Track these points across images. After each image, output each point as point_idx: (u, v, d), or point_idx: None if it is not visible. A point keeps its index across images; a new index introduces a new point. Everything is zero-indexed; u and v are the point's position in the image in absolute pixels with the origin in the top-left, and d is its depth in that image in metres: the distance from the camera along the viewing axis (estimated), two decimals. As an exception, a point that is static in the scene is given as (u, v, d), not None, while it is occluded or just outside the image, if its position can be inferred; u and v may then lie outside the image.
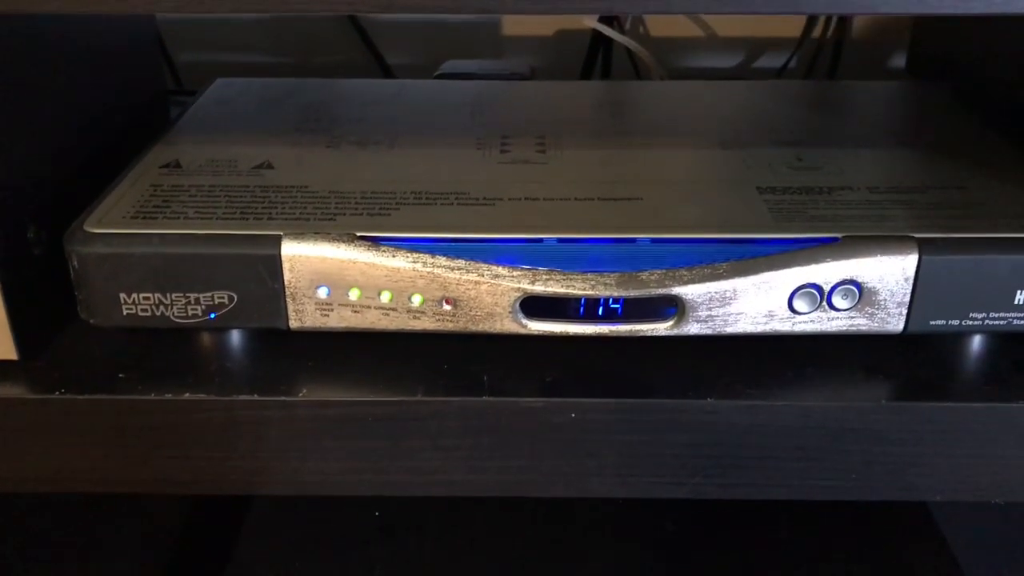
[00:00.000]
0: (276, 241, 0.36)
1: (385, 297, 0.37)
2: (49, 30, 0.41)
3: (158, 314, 0.37)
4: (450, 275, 0.36)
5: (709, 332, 0.37)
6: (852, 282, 0.36)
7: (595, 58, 0.69)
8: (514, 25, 0.71)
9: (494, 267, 0.36)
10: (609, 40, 0.68)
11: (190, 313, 0.37)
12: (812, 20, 0.69)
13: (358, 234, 0.37)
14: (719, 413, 0.37)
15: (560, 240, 0.37)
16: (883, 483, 0.38)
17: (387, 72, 0.72)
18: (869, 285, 0.37)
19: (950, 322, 0.37)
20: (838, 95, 0.54)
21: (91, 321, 0.38)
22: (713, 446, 0.38)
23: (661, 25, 0.71)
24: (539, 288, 0.36)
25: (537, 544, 0.52)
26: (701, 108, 0.51)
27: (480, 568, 0.50)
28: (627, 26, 0.70)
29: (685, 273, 0.36)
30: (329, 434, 0.37)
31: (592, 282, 0.36)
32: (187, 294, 0.37)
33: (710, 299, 0.36)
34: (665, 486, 0.39)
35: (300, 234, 0.36)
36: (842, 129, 0.48)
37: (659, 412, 0.37)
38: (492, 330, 0.37)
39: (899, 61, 0.71)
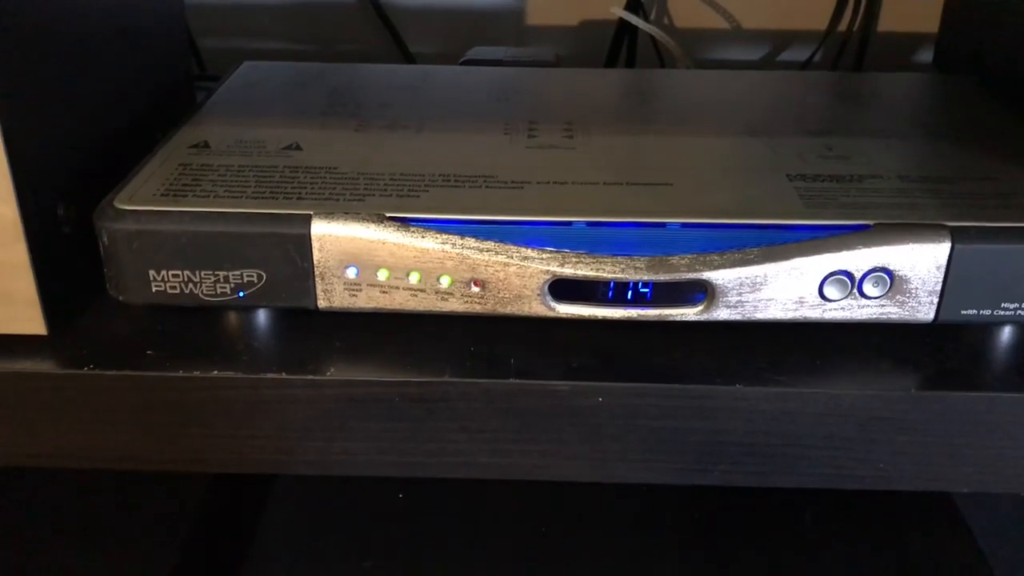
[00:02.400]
0: (306, 220, 0.36)
1: (414, 278, 0.37)
2: (79, 9, 0.41)
3: (187, 291, 0.37)
4: (479, 257, 0.36)
5: (738, 318, 0.37)
6: (883, 270, 0.36)
7: (619, 48, 0.69)
8: (538, 14, 0.71)
9: (523, 249, 0.36)
10: (634, 30, 0.68)
11: (219, 291, 0.37)
12: (839, 12, 0.69)
13: (387, 215, 0.37)
14: (747, 400, 0.37)
15: (589, 223, 0.37)
16: (910, 473, 0.38)
17: (410, 60, 0.72)
18: (900, 273, 0.36)
19: (982, 312, 0.37)
20: (866, 86, 0.54)
21: (120, 298, 0.38)
22: (740, 433, 0.37)
23: (686, 16, 0.71)
24: (568, 271, 0.36)
25: (561, 528, 0.52)
26: (728, 97, 0.51)
27: (503, 551, 0.50)
28: (652, 16, 0.70)
29: (715, 258, 0.36)
30: (355, 414, 0.37)
31: (622, 266, 0.36)
32: (216, 272, 0.37)
33: (740, 284, 0.36)
34: (691, 472, 0.38)
35: (330, 214, 0.36)
36: (871, 119, 0.48)
37: (686, 398, 0.37)
38: (520, 312, 0.37)
39: (925, 56, 0.71)
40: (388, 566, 0.49)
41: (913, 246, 0.36)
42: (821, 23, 0.70)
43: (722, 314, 0.37)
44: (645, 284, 0.37)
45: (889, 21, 0.70)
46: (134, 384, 0.37)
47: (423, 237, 0.36)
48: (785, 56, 0.72)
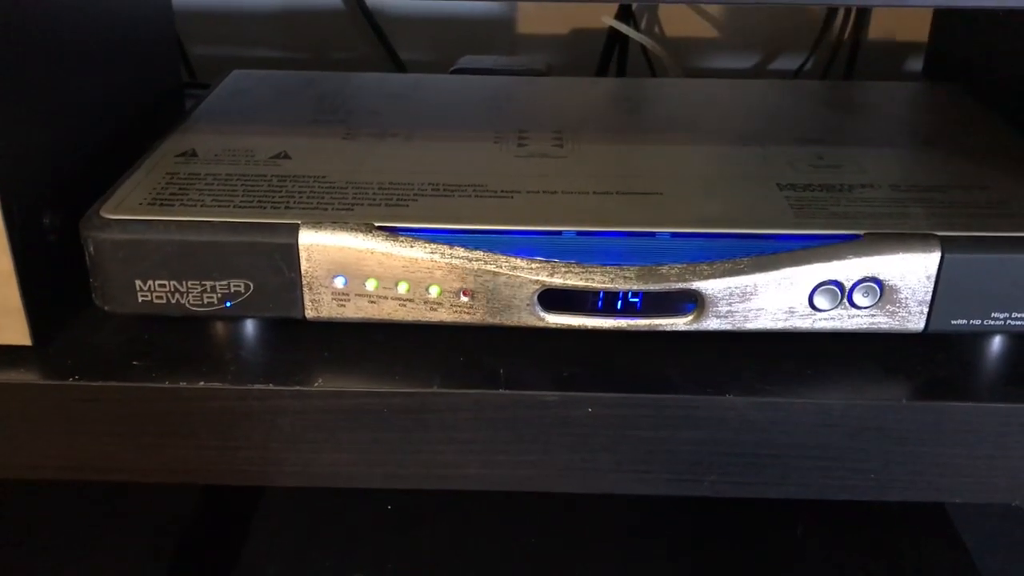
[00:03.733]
0: (294, 230, 0.36)
1: (402, 288, 0.37)
2: (66, 16, 0.41)
3: (173, 301, 0.37)
4: (468, 266, 0.36)
5: (728, 328, 0.37)
6: (873, 279, 0.36)
7: (610, 57, 0.69)
8: (529, 23, 0.71)
9: (512, 259, 0.36)
10: (625, 39, 0.68)
11: (206, 301, 0.37)
12: (829, 22, 0.69)
13: (376, 224, 0.36)
14: (737, 410, 0.37)
15: (579, 233, 0.37)
16: (902, 483, 0.38)
17: (401, 69, 0.71)
18: (890, 283, 0.36)
19: (972, 322, 0.37)
20: (857, 95, 0.54)
21: (106, 308, 0.37)
22: (730, 443, 0.37)
23: (676, 25, 0.71)
24: (558, 281, 0.36)
25: (550, 539, 0.52)
26: (719, 106, 0.51)
27: (493, 563, 0.50)
28: (642, 25, 0.70)
29: (705, 268, 0.36)
30: (343, 425, 0.37)
31: (611, 275, 0.36)
32: (203, 282, 0.37)
33: (730, 294, 0.36)
34: (681, 483, 0.38)
35: (318, 223, 0.36)
36: (862, 129, 0.48)
37: (676, 408, 0.37)
38: (509, 322, 0.37)
39: (915, 64, 0.71)
40: (377, 577, 0.49)
41: (903, 256, 0.36)
42: (811, 33, 0.70)
43: (712, 324, 0.37)
44: (635, 294, 0.36)
45: (879, 30, 0.70)
46: (120, 395, 0.37)
47: (412, 247, 0.36)
48: (775, 65, 0.72)
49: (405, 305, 0.37)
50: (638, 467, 0.38)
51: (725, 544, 0.52)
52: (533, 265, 0.36)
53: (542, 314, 0.37)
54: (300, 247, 0.36)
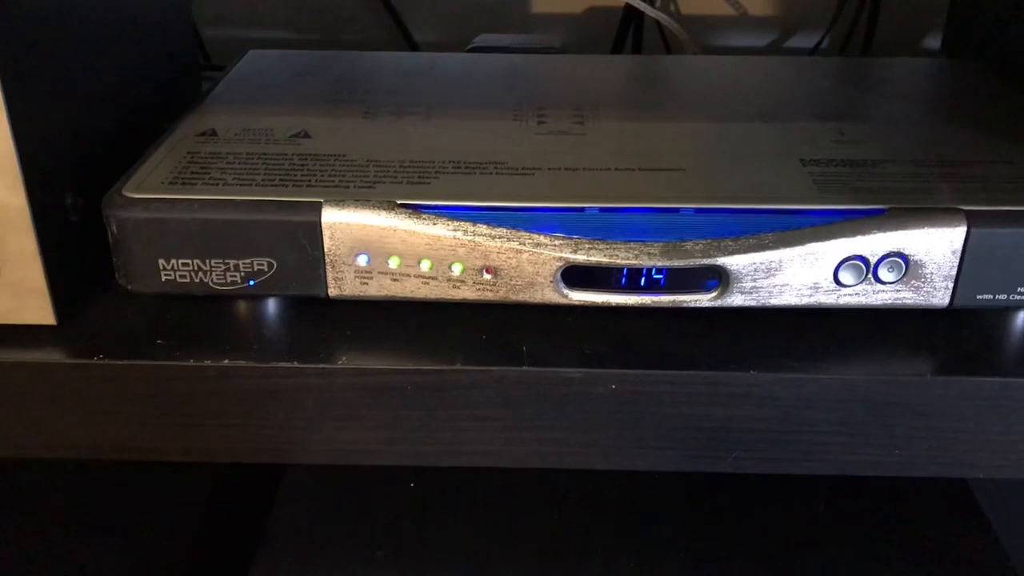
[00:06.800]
0: (316, 208, 0.36)
1: (425, 265, 0.37)
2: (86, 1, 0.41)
3: (197, 280, 0.37)
4: (491, 244, 0.36)
5: (753, 304, 0.37)
6: (899, 254, 0.36)
7: (625, 34, 0.69)
8: (543, 1, 0.70)
9: (536, 236, 0.36)
10: (640, 17, 0.68)
11: (229, 280, 0.37)
12: (846, -2, 0.69)
13: (399, 202, 0.36)
14: (761, 386, 0.36)
15: (602, 209, 0.37)
16: (926, 459, 0.38)
17: (415, 49, 0.71)
18: (916, 258, 0.36)
19: (997, 297, 0.37)
20: (877, 71, 0.53)
21: (129, 287, 0.37)
22: (754, 419, 0.37)
23: (692, 2, 0.70)
24: (581, 257, 0.36)
25: (573, 516, 0.52)
26: (738, 82, 0.51)
27: (515, 539, 0.50)
28: (657, 2, 0.69)
29: (730, 243, 0.36)
30: (367, 403, 0.37)
31: (635, 251, 0.36)
32: (226, 260, 0.37)
33: (755, 270, 0.36)
34: (704, 460, 0.38)
35: (341, 201, 0.36)
36: (883, 105, 0.47)
37: (700, 384, 0.37)
38: (533, 300, 0.37)
39: (933, 43, 0.70)
40: (400, 556, 0.49)
41: (928, 230, 0.36)
42: (828, 10, 0.69)
43: (736, 300, 0.37)
44: (659, 270, 0.36)
45: (896, 7, 0.70)
46: (144, 374, 0.37)
47: (434, 224, 0.36)
48: (791, 43, 0.71)
49: (428, 283, 0.37)
50: (662, 444, 0.38)
51: (746, 520, 0.52)
52: (556, 242, 0.36)
53: (565, 291, 0.37)
54: (323, 225, 0.36)
